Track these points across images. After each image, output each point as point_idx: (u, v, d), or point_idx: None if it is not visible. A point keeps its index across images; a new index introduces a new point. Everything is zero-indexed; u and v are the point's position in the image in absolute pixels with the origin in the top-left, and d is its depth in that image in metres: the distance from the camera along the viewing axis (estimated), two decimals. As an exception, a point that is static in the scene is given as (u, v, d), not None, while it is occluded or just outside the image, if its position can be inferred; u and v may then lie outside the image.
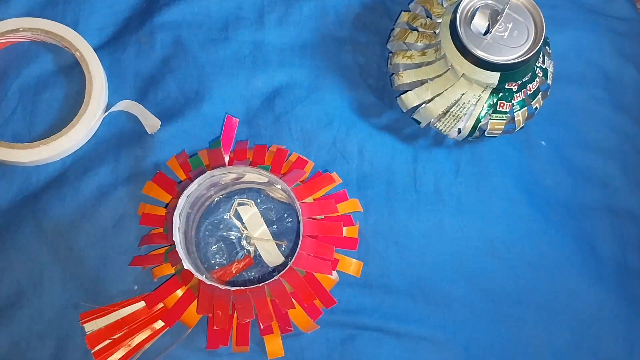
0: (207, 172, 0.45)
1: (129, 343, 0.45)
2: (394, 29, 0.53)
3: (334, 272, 0.47)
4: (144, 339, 0.45)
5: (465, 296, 0.50)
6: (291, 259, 0.43)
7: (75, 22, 0.54)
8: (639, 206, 0.54)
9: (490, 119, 0.48)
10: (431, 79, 0.49)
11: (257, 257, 0.50)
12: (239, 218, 0.50)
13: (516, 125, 0.50)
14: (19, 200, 0.50)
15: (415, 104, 0.49)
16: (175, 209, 0.44)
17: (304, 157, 0.50)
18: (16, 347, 0.46)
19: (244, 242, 0.50)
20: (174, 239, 0.43)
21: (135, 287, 0.48)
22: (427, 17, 0.50)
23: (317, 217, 0.45)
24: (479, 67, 0.45)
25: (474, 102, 0.47)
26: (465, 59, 0.46)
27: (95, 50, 0.53)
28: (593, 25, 0.58)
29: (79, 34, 0.53)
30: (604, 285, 0.52)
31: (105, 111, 0.51)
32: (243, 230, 0.50)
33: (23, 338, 0.47)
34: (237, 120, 0.51)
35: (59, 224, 0.49)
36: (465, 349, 0.49)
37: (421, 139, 0.54)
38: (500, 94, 0.47)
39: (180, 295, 0.44)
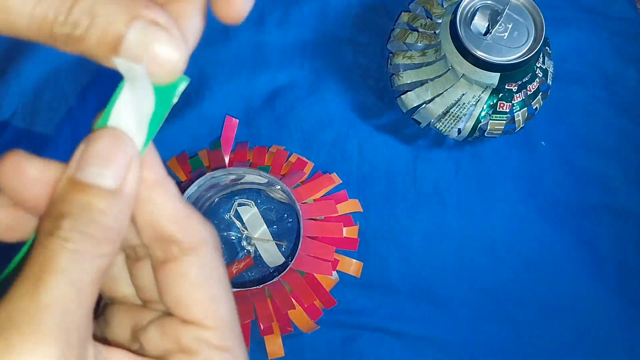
0: (208, 173, 0.45)
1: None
2: (394, 29, 0.53)
3: (334, 273, 0.47)
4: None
5: (465, 296, 0.50)
6: (291, 260, 0.43)
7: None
8: (639, 206, 0.55)
9: (490, 119, 0.48)
10: (431, 80, 0.49)
11: (258, 258, 0.50)
12: (239, 218, 0.50)
13: (516, 125, 0.50)
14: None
15: (415, 105, 0.49)
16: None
17: (304, 158, 0.50)
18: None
19: (244, 243, 0.50)
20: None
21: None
22: (427, 17, 0.50)
23: (317, 217, 0.45)
24: (479, 67, 0.45)
25: (474, 103, 0.47)
26: (465, 59, 0.46)
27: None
28: (593, 26, 0.58)
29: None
30: (604, 285, 0.52)
31: None
32: (243, 231, 0.50)
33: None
34: (237, 121, 0.51)
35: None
36: (466, 349, 0.49)
37: (421, 140, 0.54)
38: (500, 95, 0.47)
39: (180, 295, 0.44)
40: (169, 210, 0.19)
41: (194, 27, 0.19)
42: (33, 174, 0.18)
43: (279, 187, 0.46)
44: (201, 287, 0.19)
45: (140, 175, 0.19)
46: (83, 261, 0.17)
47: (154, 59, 0.17)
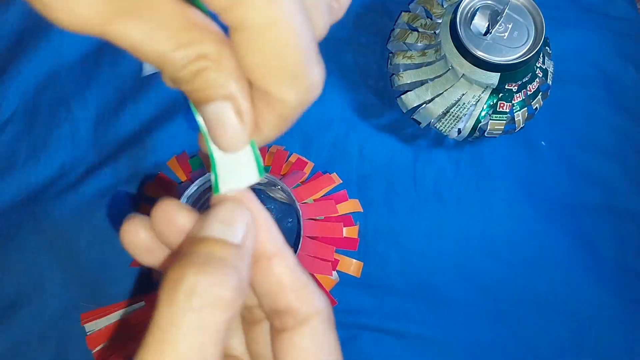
0: (208, 173, 0.45)
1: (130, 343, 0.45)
2: (394, 29, 0.53)
3: (334, 273, 0.47)
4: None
5: (465, 296, 0.50)
6: (291, 260, 0.43)
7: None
8: (639, 206, 0.55)
9: (490, 119, 0.48)
10: (431, 80, 0.49)
11: (258, 258, 0.50)
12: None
13: (516, 125, 0.50)
14: (19, 200, 0.50)
15: (415, 105, 0.49)
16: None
17: (304, 158, 0.50)
18: (17, 348, 0.46)
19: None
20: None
21: (136, 287, 0.48)
22: (427, 17, 0.50)
23: (317, 217, 0.45)
24: (479, 67, 0.45)
25: (474, 103, 0.47)
26: (465, 59, 0.46)
27: (96, 50, 0.53)
28: (593, 26, 0.59)
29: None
30: (604, 285, 0.52)
31: None
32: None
33: (24, 339, 0.47)
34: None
35: (59, 224, 0.49)
36: (466, 349, 0.49)
37: (421, 139, 0.54)
38: (501, 95, 0.47)
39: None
40: (286, 280, 0.20)
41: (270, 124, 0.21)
42: (180, 222, 0.20)
43: (279, 187, 0.46)
44: (312, 358, 0.20)
45: (255, 240, 0.20)
46: (207, 323, 0.17)
47: (215, 133, 0.19)
